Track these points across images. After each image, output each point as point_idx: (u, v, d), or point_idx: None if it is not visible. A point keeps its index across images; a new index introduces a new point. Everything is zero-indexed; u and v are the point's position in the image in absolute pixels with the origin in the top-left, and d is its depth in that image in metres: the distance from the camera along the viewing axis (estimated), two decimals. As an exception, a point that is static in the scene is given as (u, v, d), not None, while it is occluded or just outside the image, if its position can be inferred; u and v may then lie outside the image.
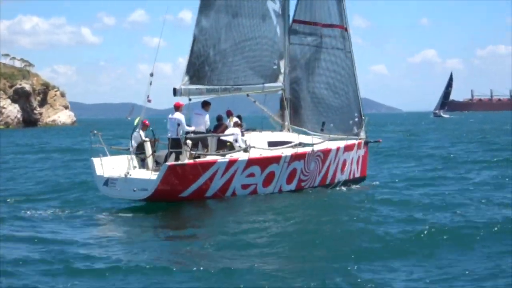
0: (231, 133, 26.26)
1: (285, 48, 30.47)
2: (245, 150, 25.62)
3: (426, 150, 55.62)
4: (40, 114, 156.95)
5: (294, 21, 30.77)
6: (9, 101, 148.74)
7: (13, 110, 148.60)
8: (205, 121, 26.52)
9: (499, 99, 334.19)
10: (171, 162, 24.22)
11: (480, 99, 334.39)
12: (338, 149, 29.62)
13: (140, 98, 26.42)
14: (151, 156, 25.53)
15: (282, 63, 30.33)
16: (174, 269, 15.90)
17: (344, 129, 31.44)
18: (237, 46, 28.52)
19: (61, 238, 19.76)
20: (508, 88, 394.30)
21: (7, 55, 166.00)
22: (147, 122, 26.30)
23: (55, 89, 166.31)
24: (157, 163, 25.39)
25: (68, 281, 14.96)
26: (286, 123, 30.43)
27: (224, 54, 28.19)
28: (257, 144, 26.33)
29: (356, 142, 31.08)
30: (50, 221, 22.98)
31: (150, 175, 24.36)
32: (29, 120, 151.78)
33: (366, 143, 32.14)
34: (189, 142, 24.93)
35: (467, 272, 15.61)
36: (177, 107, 25.69)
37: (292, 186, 27.52)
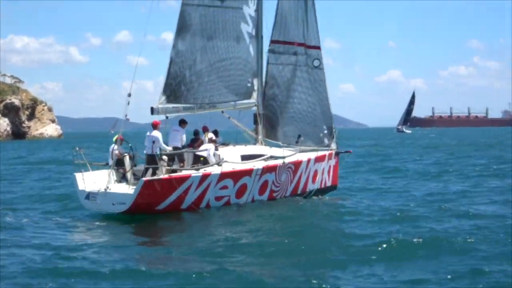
0: (205, 148, 26.15)
1: (258, 66, 30.51)
2: (218, 164, 25.43)
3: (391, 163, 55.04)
4: (29, 127, 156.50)
5: (271, 41, 30.86)
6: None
7: (2, 124, 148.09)
8: (182, 137, 26.57)
9: (458, 116, 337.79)
10: (148, 177, 24.20)
11: (440, 116, 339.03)
12: (309, 160, 29.63)
13: (122, 113, 26.13)
14: (130, 170, 25.46)
15: (255, 81, 30.33)
16: (147, 271, 16.17)
17: (316, 141, 31.48)
18: (212, 66, 28.51)
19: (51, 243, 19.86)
20: (467, 106, 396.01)
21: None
22: (122, 137, 26.12)
23: (43, 104, 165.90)
24: (135, 176, 25.20)
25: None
26: (260, 137, 30.43)
27: (200, 74, 28.13)
28: (230, 158, 26.40)
29: (327, 153, 31.13)
30: (41, 227, 23.11)
31: (128, 189, 24.32)
32: (18, 133, 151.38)
33: (337, 153, 32.15)
34: (165, 157, 25.13)
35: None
36: (155, 125, 25.66)
37: (264, 196, 27.43)
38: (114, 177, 25.74)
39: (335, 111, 31.63)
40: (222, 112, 29.80)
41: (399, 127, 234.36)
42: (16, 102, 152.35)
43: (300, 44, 31.07)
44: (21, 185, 37.38)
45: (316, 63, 31.33)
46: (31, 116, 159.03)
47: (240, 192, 26.36)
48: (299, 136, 30.95)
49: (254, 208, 26.16)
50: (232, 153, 27.11)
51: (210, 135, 27.44)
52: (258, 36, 30.27)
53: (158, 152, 24.87)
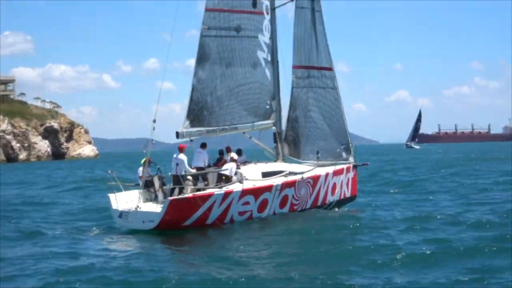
0: (226, 167, 26.20)
1: (275, 89, 30.49)
2: (240, 181, 25.54)
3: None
4: (67, 148, 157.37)
5: (293, 67, 30.93)
6: (40, 137, 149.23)
7: (43, 145, 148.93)
8: (204, 158, 26.83)
9: (462, 132, 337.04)
10: (174, 196, 24.51)
11: (446, 132, 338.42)
12: (327, 174, 29.61)
13: (153, 134, 26.36)
14: (160, 190, 25.77)
15: (274, 103, 30.41)
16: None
17: (335, 156, 31.46)
18: (231, 91, 28.74)
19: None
20: (470, 122, 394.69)
21: (38, 98, 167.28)
22: (150, 159, 26.32)
23: (80, 127, 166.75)
24: (165, 195, 25.38)
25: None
26: (280, 154, 30.29)
27: (221, 99, 28.40)
28: (252, 175, 26.43)
29: (345, 166, 31.08)
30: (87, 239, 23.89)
31: (156, 208, 24.55)
32: (58, 154, 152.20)
33: (355, 166, 32.02)
34: (189, 177, 25.35)
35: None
36: (180, 149, 25.95)
37: (285, 209, 27.41)
38: (145, 196, 26.12)
39: (349, 129, 31.49)
40: (243, 133, 29.84)
41: (408, 143, 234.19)
42: (55, 125, 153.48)
43: (316, 68, 31.14)
44: (62, 203, 37.24)
45: (330, 83, 31.34)
46: (69, 138, 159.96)
47: (262, 207, 26.33)
48: (318, 152, 31.01)
49: (276, 222, 26.11)
50: (253, 170, 27.12)
51: (232, 154, 27.46)
52: (273, 62, 30.30)
53: (183, 173, 25.12)
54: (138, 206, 24.92)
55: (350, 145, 31.93)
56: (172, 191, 25.00)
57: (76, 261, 19.11)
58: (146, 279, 16.62)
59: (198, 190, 25.06)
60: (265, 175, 27.11)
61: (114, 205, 25.44)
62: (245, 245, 21.50)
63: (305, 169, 28.73)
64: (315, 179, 28.78)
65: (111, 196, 25.62)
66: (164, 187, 25.90)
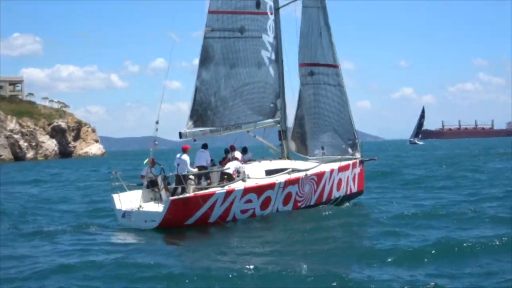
0: (228, 166, 26.40)
1: (280, 88, 30.50)
2: (243, 180, 25.61)
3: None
4: (74, 147, 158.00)
5: (299, 65, 31.09)
6: (47, 136, 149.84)
7: (51, 144, 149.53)
8: (206, 158, 26.96)
9: (466, 128, 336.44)
10: (177, 195, 24.71)
11: (449, 128, 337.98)
12: (332, 170, 29.60)
13: (161, 132, 26.73)
14: (163, 190, 25.77)
15: (278, 101, 30.44)
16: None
17: (341, 152, 31.51)
18: (236, 91, 28.82)
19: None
20: (474, 118, 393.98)
21: (46, 98, 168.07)
22: (153, 160, 26.51)
23: (87, 126, 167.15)
24: (173, 194, 25.39)
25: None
26: (285, 152, 30.30)
27: (225, 99, 28.48)
28: (255, 173, 26.47)
29: (351, 162, 31.05)
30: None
31: (158, 208, 24.79)
32: (65, 152, 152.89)
33: (361, 162, 31.99)
34: (192, 177, 25.42)
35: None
36: (184, 149, 26.19)
37: (289, 207, 27.37)
38: (150, 196, 26.29)
39: (355, 126, 31.55)
40: (248, 131, 29.82)
41: (412, 139, 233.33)
42: (63, 124, 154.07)
43: (322, 65, 31.16)
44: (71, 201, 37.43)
45: (336, 81, 31.33)
46: (76, 137, 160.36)
47: (265, 205, 26.29)
48: (323, 148, 31.18)
49: (279, 219, 26.07)
50: (257, 168, 27.11)
51: (236, 153, 27.68)
52: (278, 61, 30.31)
53: (184, 173, 25.25)
54: (140, 206, 25.07)
55: (357, 141, 31.97)
56: (174, 191, 25.20)
57: (81, 258, 19.23)
58: (146, 274, 16.85)
59: (201, 189, 25.12)
60: (269, 173, 27.10)
61: (118, 205, 25.68)
62: (249, 242, 21.60)
63: (309, 166, 28.72)
64: (320, 175, 28.75)
65: (115, 196, 25.85)
66: (169, 187, 25.96)
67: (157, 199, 25.96)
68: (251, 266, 16.90)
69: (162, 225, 24.00)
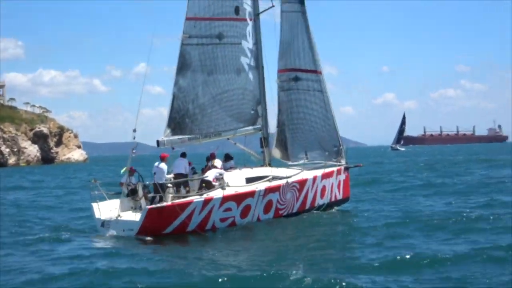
0: (207, 174, 26.21)
1: (261, 94, 30.26)
2: (222, 188, 25.29)
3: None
4: (57, 153, 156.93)
5: (278, 71, 30.91)
6: (29, 142, 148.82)
7: (33, 150, 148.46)
8: (185, 165, 26.76)
9: (447, 134, 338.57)
10: (155, 203, 24.48)
11: (431, 134, 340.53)
12: (315, 177, 29.27)
13: (142, 137, 26.41)
14: (143, 198, 25.26)
15: (259, 108, 30.18)
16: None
17: (324, 158, 31.19)
18: (214, 98, 28.57)
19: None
20: (455, 124, 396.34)
21: (27, 103, 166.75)
22: (133, 168, 26.35)
23: (69, 131, 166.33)
24: (151, 203, 25.11)
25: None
26: (266, 159, 30.10)
27: (203, 106, 28.21)
28: (235, 181, 26.17)
29: (335, 169, 30.76)
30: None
31: (135, 217, 24.49)
32: (47, 158, 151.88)
33: (346, 168, 31.68)
34: (170, 185, 25.13)
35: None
36: (162, 158, 26.18)
37: (270, 215, 27.08)
38: (130, 204, 26.00)
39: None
40: (228, 139, 29.52)
41: (393, 145, 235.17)
42: (45, 130, 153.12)
43: (303, 70, 30.92)
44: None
45: (315, 86, 31.03)
46: (58, 143, 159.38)
47: (245, 213, 25.98)
48: (306, 153, 30.90)
49: (260, 227, 25.95)
50: (237, 176, 26.81)
51: (216, 161, 27.46)
52: (258, 67, 30.06)
53: (160, 182, 25.10)
54: (119, 215, 24.87)
55: (341, 147, 31.68)
56: (153, 199, 24.95)
57: (63, 266, 19.01)
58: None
59: (179, 197, 24.86)
60: (249, 180, 26.82)
61: (97, 214, 25.41)
62: (227, 251, 21.43)
63: (291, 173, 28.35)
64: (302, 183, 28.42)
65: (94, 205, 25.60)
66: (148, 195, 25.62)
67: (137, 208, 25.55)
68: (228, 277, 16.62)
69: (140, 234, 23.73)
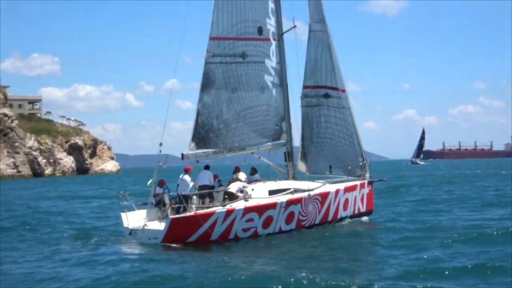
0: (229, 187, 26.44)
1: (285, 111, 30.34)
2: (245, 199, 25.53)
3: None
4: (91, 164, 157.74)
5: (304, 87, 31.11)
6: (65, 153, 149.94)
7: (68, 161, 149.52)
8: (209, 177, 27.18)
9: (466, 149, 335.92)
10: (180, 213, 24.79)
11: (450, 149, 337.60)
12: (337, 191, 29.24)
13: (172, 150, 26.76)
14: (169, 208, 25.63)
15: (283, 124, 30.27)
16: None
17: (348, 172, 31.33)
18: (239, 114, 28.79)
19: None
20: (473, 139, 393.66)
21: (63, 116, 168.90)
22: (163, 180, 26.52)
23: (103, 143, 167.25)
24: (176, 213, 25.39)
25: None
26: (290, 172, 30.18)
27: (227, 122, 28.43)
28: (258, 193, 26.36)
29: (358, 182, 30.72)
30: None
31: (160, 226, 24.91)
32: (82, 169, 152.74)
33: (370, 182, 31.61)
34: (194, 197, 25.79)
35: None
36: (186, 171, 26.62)
37: (292, 226, 27.02)
38: (158, 214, 26.28)
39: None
40: (252, 153, 29.67)
41: (413, 159, 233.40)
42: (80, 142, 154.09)
43: (332, 88, 31.00)
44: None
45: (343, 103, 31.05)
46: (92, 154, 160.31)
47: (267, 223, 25.97)
48: (330, 167, 31.04)
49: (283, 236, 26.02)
50: (260, 189, 26.95)
51: (240, 174, 27.64)
52: (283, 85, 30.14)
53: (184, 193, 25.53)
54: (145, 225, 25.26)
55: (365, 161, 31.59)
56: (177, 210, 25.21)
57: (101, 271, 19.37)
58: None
59: (202, 208, 25.13)
60: (272, 192, 26.90)
61: (125, 223, 25.88)
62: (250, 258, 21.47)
63: (313, 186, 28.30)
64: (324, 195, 28.36)
65: (123, 214, 26.05)
66: (175, 206, 25.84)
67: (164, 217, 25.79)
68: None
69: (164, 242, 24.03)
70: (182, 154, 27.01)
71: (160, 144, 26.31)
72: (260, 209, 25.66)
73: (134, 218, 25.95)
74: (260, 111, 29.39)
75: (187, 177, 26.29)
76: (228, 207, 24.98)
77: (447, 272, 18.02)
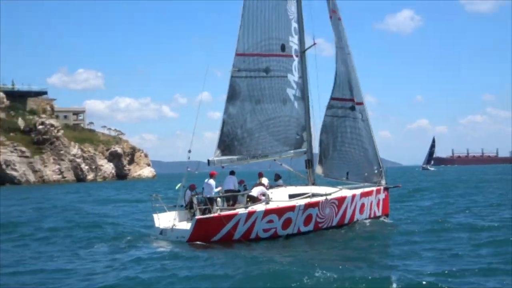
0: (252, 190, 26.63)
1: (306, 121, 30.22)
2: (266, 202, 25.62)
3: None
4: (129, 170, 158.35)
5: (331, 98, 31.05)
6: (105, 160, 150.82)
7: (108, 167, 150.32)
8: (234, 182, 27.33)
9: (474, 156, 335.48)
10: (206, 214, 25.01)
11: (459, 156, 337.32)
12: (354, 196, 29.00)
13: (203, 157, 27.39)
14: (197, 210, 25.62)
15: (304, 134, 30.18)
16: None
17: (364, 178, 31.21)
18: (261, 124, 28.84)
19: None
20: (480, 147, 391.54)
21: (104, 126, 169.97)
22: (194, 185, 27.12)
23: (140, 151, 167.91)
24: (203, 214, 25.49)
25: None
26: (310, 178, 30.08)
27: (251, 131, 28.47)
28: (279, 197, 26.42)
29: (374, 188, 30.61)
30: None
31: (187, 226, 25.20)
32: (121, 175, 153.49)
33: (386, 188, 31.50)
34: (219, 200, 25.89)
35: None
36: (211, 175, 26.84)
37: (310, 227, 26.85)
38: (188, 216, 26.54)
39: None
40: (275, 160, 29.58)
41: (424, 165, 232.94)
42: (119, 150, 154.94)
43: (354, 101, 30.96)
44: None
45: (361, 116, 31.06)
46: (131, 161, 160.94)
47: (286, 225, 25.87)
48: (347, 173, 30.94)
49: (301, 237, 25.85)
50: (281, 193, 27.00)
51: (263, 179, 27.72)
52: (304, 98, 30.04)
53: (208, 196, 25.81)
54: (174, 225, 25.63)
55: (381, 169, 31.49)
56: (204, 211, 25.40)
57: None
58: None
59: (226, 210, 25.30)
60: (291, 196, 26.91)
61: (157, 224, 26.27)
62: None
63: (330, 191, 28.19)
64: (341, 200, 28.19)
65: (155, 216, 26.49)
66: (202, 208, 25.98)
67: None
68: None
69: (190, 241, 24.29)
70: (208, 160, 27.17)
71: (189, 151, 26.50)
72: (279, 211, 25.63)
73: (165, 219, 26.28)
74: (282, 121, 29.35)
75: (212, 181, 26.58)
76: (250, 209, 25.08)
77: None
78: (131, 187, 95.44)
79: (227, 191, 26.87)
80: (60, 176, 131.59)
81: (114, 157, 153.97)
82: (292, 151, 29.81)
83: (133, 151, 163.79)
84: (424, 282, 15.43)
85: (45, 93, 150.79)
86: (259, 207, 25.23)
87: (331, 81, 31.17)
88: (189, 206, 26.67)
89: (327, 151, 30.98)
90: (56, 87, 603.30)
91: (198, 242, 23.99)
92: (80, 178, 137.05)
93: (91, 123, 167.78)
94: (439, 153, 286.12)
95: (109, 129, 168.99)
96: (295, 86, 29.54)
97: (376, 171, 31.30)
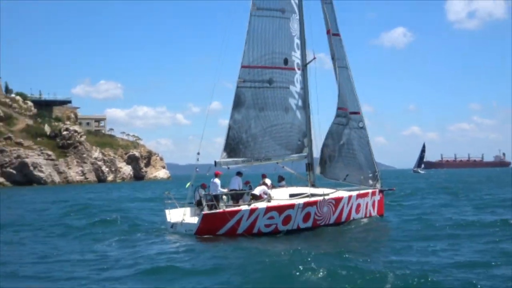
0: (254, 190, 26.91)
1: (307, 128, 30.18)
2: (268, 201, 25.93)
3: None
4: (146, 172, 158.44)
5: (338, 108, 30.74)
6: (124, 163, 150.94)
7: (127, 169, 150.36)
8: (239, 183, 27.60)
9: (461, 160, 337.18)
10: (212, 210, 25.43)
11: (447, 160, 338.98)
12: (350, 196, 28.94)
13: (213, 160, 27.35)
14: (206, 206, 26.02)
15: (305, 140, 30.17)
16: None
17: (361, 181, 31.23)
18: (265, 130, 28.89)
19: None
20: (467, 152, 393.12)
21: (123, 132, 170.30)
22: (205, 184, 27.59)
23: (156, 155, 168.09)
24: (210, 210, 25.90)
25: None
26: (310, 180, 30.08)
27: (255, 136, 28.55)
28: (280, 196, 26.66)
29: (370, 190, 30.65)
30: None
31: (195, 220, 25.67)
32: (138, 176, 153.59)
33: (381, 191, 31.43)
34: (224, 197, 26.49)
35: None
36: (216, 175, 27.20)
37: (308, 224, 26.84)
38: (197, 212, 26.87)
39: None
40: (277, 163, 29.58)
41: (415, 169, 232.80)
42: (136, 153, 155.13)
43: (355, 112, 31.01)
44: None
45: (360, 124, 31.13)
46: (147, 164, 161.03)
47: (286, 221, 25.93)
48: (347, 175, 30.92)
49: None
50: (282, 192, 27.24)
51: (266, 180, 27.87)
52: (305, 107, 29.99)
53: (214, 194, 26.16)
54: (183, 219, 26.13)
55: (377, 173, 31.53)
56: (211, 207, 25.72)
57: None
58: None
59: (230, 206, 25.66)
60: (292, 196, 27.08)
61: (168, 218, 26.91)
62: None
63: (328, 192, 28.16)
64: (337, 199, 28.14)
65: (167, 211, 27.24)
66: (208, 204, 26.28)
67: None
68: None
69: (198, 233, 24.75)
70: (215, 162, 27.41)
71: (198, 154, 26.95)
72: (280, 209, 25.77)
73: (176, 214, 26.87)
74: (284, 128, 29.38)
75: (217, 180, 26.97)
76: (252, 206, 25.33)
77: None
78: (147, 187, 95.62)
79: (231, 190, 27.14)
80: (82, 177, 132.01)
81: (132, 160, 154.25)
82: (295, 155, 29.83)
83: (150, 154, 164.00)
84: (417, 273, 15.17)
85: (69, 102, 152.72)
86: (261, 205, 25.45)
87: (331, 91, 31.43)
88: (198, 203, 27.22)
89: (332, 155, 30.94)
90: (79, 97, 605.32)
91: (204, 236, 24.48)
92: (101, 179, 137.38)
93: (111, 129, 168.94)
94: (429, 157, 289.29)
95: (128, 134, 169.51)
96: (296, 96, 29.57)
97: (371, 175, 31.37)
